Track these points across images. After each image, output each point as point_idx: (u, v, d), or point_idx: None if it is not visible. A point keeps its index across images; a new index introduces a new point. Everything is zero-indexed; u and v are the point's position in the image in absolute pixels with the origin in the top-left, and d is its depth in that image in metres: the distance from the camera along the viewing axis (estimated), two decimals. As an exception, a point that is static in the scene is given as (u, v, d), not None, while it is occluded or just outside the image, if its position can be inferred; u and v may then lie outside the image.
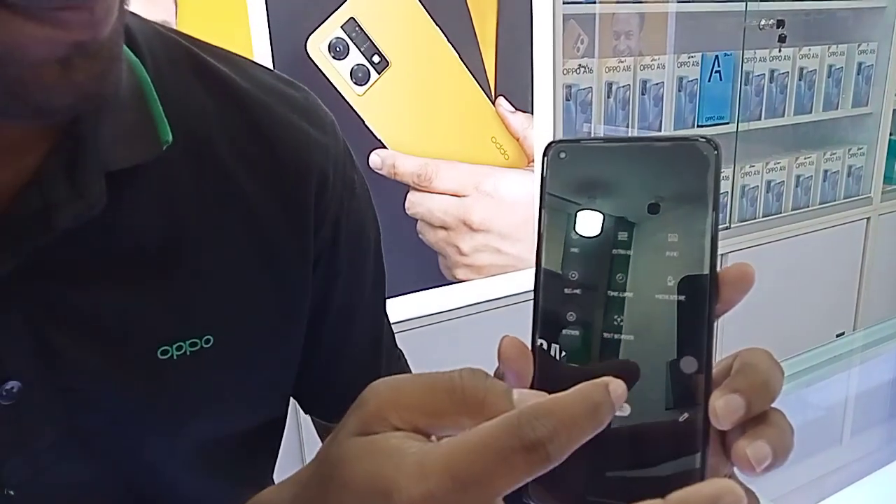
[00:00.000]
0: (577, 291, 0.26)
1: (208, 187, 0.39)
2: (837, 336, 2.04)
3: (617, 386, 0.23)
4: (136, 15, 0.38)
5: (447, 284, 1.43)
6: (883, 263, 2.09)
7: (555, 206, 0.26)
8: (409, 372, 0.56)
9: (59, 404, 0.35)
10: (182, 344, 0.38)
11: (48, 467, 0.36)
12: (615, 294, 0.26)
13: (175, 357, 0.38)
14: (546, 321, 0.26)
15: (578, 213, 0.26)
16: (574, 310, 0.26)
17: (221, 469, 0.43)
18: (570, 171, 0.26)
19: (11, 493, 0.34)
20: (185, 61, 0.40)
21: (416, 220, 1.38)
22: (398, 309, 1.34)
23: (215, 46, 0.43)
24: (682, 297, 0.25)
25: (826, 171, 1.99)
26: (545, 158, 0.27)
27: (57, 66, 0.27)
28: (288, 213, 0.42)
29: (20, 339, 0.34)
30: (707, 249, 0.25)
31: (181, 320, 0.38)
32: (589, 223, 0.26)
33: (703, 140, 0.25)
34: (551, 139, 0.27)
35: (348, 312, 0.49)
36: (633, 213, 0.26)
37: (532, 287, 0.27)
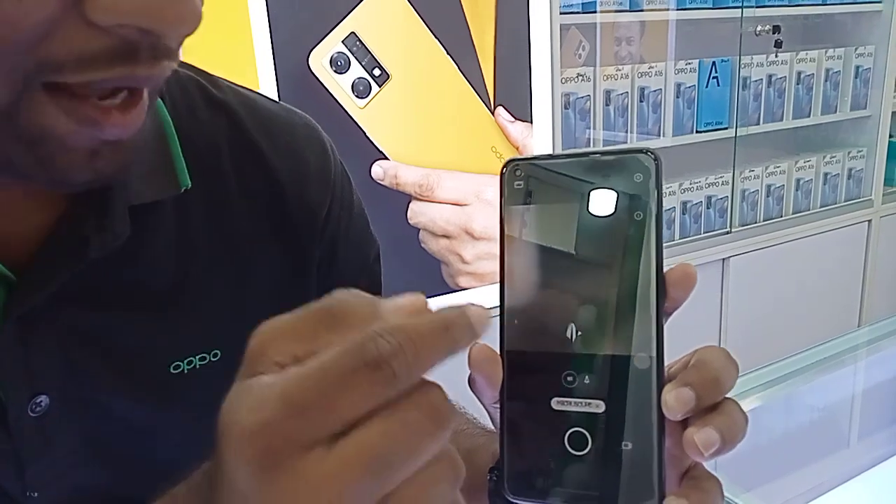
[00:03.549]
0: (538, 298, 0.29)
1: (218, 218, 0.42)
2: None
3: (476, 310, 0.23)
4: None
5: (450, 292, 1.46)
6: (886, 265, 2.10)
7: (514, 221, 0.29)
8: None
9: (78, 415, 0.38)
10: (192, 358, 0.41)
11: (67, 472, 0.38)
12: (571, 298, 0.28)
13: (185, 371, 0.41)
14: (511, 326, 0.29)
15: (535, 226, 0.29)
16: (535, 313, 0.29)
17: None
18: (525, 187, 0.29)
19: (35, 495, 0.37)
20: (198, 96, 0.44)
21: (419, 230, 1.41)
22: (402, 316, 1.36)
23: (222, 79, 0.47)
24: (634, 299, 0.27)
25: (826, 175, 2.00)
26: (502, 176, 0.29)
27: (85, 155, 0.30)
28: (289, 238, 0.45)
29: (51, 358, 0.37)
30: (653, 252, 0.27)
31: (191, 338, 0.41)
32: (544, 234, 0.29)
33: (644, 152, 0.28)
34: (511, 157, 0.30)
35: None
36: (584, 223, 0.28)
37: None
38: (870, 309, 2.10)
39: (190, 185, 0.40)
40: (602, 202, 0.28)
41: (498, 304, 0.30)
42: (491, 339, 0.30)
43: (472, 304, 0.23)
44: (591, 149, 0.29)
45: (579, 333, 0.28)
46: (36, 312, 0.35)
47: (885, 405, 1.51)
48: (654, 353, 0.27)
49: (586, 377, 0.27)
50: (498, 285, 0.30)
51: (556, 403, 0.28)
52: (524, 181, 0.29)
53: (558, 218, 0.28)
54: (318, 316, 0.23)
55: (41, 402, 0.36)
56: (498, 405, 0.29)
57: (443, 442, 0.22)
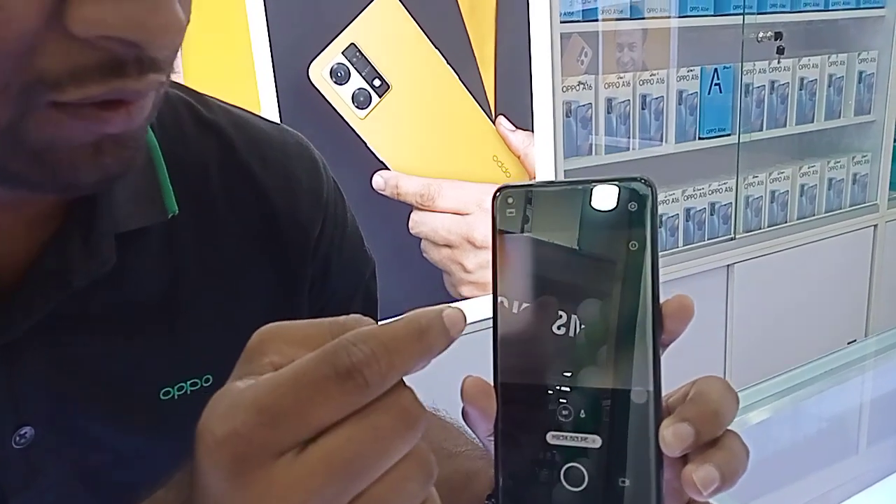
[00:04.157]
0: (531, 329, 0.28)
1: (207, 241, 0.42)
2: (849, 344, 2.03)
3: (452, 312, 0.23)
4: None
5: (453, 301, 1.45)
6: (892, 270, 2.08)
7: (506, 249, 0.28)
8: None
9: (66, 445, 0.37)
10: (183, 384, 0.40)
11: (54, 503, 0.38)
12: (566, 329, 0.27)
13: (176, 397, 0.40)
14: (504, 358, 0.28)
15: (528, 255, 0.28)
16: (529, 346, 0.28)
17: None
18: (518, 214, 0.28)
19: None
20: (188, 117, 0.43)
21: (420, 240, 1.40)
22: (404, 327, 1.36)
23: (213, 99, 0.46)
24: (629, 332, 0.27)
25: (831, 180, 1.99)
26: (494, 204, 0.29)
27: (90, 150, 0.29)
28: (281, 258, 0.45)
29: (37, 387, 0.36)
30: (649, 283, 0.26)
31: (181, 364, 0.40)
32: (537, 264, 0.28)
33: (640, 180, 0.27)
34: (502, 185, 0.29)
35: None
36: (578, 252, 0.27)
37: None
38: (877, 314, 2.09)
39: (177, 211, 0.39)
40: (596, 231, 0.27)
41: (491, 334, 0.29)
42: (484, 370, 0.29)
43: (449, 307, 0.23)
44: (584, 178, 0.28)
45: (575, 366, 0.27)
46: (21, 340, 0.35)
47: (894, 414, 1.50)
48: (651, 387, 0.26)
49: (582, 411, 0.27)
50: (491, 315, 0.29)
51: (551, 438, 0.27)
52: (516, 209, 0.28)
53: (551, 247, 0.28)
54: (331, 328, 0.24)
55: (25, 433, 0.36)
56: (492, 438, 0.29)
57: (412, 443, 0.22)
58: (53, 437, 0.37)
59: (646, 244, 0.27)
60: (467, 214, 1.43)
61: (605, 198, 0.27)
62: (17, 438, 0.35)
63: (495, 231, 0.29)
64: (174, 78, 0.44)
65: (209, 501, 0.22)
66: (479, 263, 1.47)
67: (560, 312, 0.27)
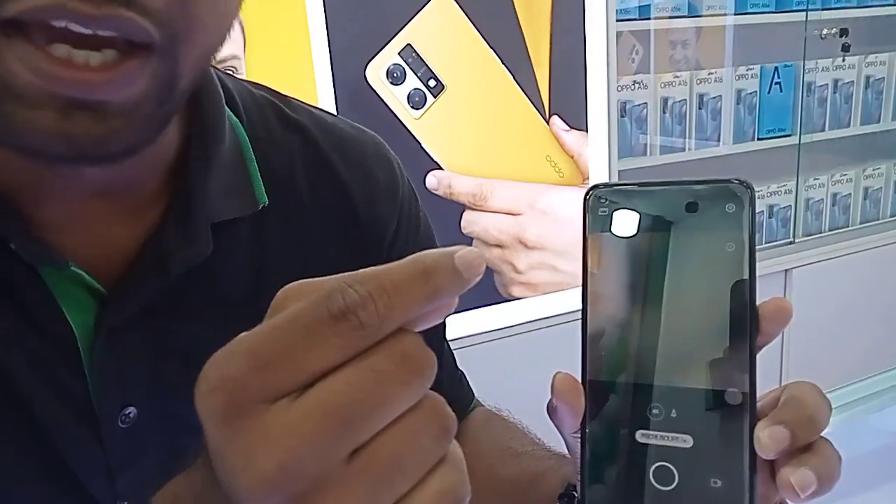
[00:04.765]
0: (622, 328, 0.28)
1: (292, 234, 0.43)
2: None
3: (466, 253, 0.21)
4: (230, 76, 0.43)
5: (503, 302, 1.45)
6: (962, 277, 1.99)
7: (598, 249, 0.28)
8: (471, 393, 0.58)
9: (163, 427, 0.39)
10: None
11: (150, 483, 0.39)
12: (660, 332, 0.27)
13: None
14: (594, 356, 0.28)
15: (620, 254, 0.28)
16: (619, 344, 0.28)
17: None
18: (610, 214, 0.28)
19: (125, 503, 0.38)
20: (274, 117, 0.45)
21: (472, 239, 1.40)
22: (456, 326, 1.36)
23: (296, 100, 0.48)
24: (724, 333, 0.26)
25: (897, 182, 1.92)
26: (586, 202, 0.29)
27: (53, 114, 0.27)
28: (359, 252, 0.46)
29: (139, 370, 0.38)
30: (746, 285, 0.26)
31: None
32: (630, 263, 0.28)
33: (737, 182, 0.27)
34: (593, 183, 0.29)
35: None
36: (672, 253, 0.27)
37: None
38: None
39: (267, 203, 0.41)
40: (691, 232, 0.27)
41: (580, 332, 0.29)
42: (573, 367, 0.29)
43: (464, 247, 0.22)
44: (678, 179, 0.28)
45: (666, 366, 0.27)
46: (125, 326, 0.37)
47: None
48: (746, 389, 0.26)
49: (673, 410, 0.27)
50: (580, 314, 0.29)
51: (641, 436, 0.27)
52: (608, 208, 0.28)
53: (645, 247, 0.28)
54: (347, 278, 0.22)
55: (130, 413, 0.38)
56: (578, 435, 0.29)
57: (418, 391, 0.21)
58: (153, 418, 0.38)
59: (743, 246, 0.26)
60: (519, 214, 1.43)
61: (700, 199, 0.27)
62: (123, 418, 0.37)
63: (586, 230, 0.29)
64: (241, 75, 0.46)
65: (211, 451, 0.21)
66: (530, 264, 1.46)
67: (652, 312, 0.27)
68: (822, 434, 0.28)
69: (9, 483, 0.36)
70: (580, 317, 0.28)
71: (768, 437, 0.25)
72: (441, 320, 0.23)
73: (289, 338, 0.20)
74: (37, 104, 0.27)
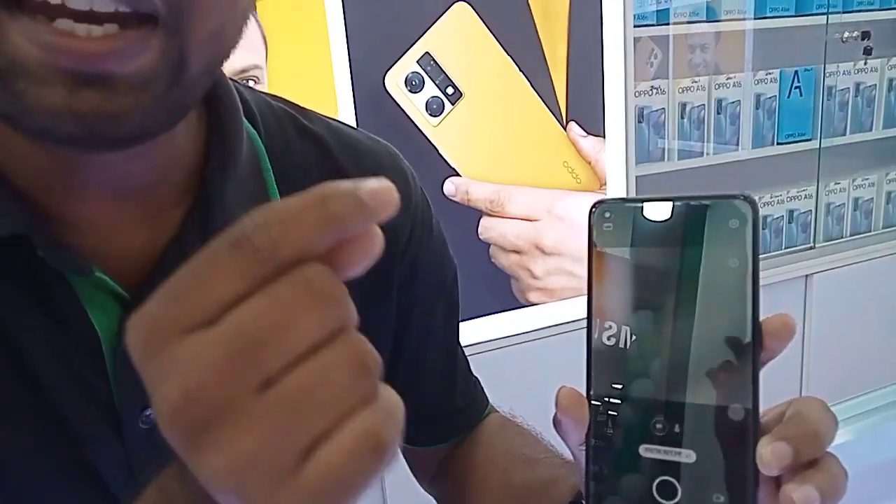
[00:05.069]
0: (626, 343, 0.29)
1: None
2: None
3: (373, 183, 0.21)
4: (249, 88, 0.45)
5: (520, 308, 1.45)
6: None
7: (602, 263, 0.29)
8: (486, 399, 0.59)
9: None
10: None
11: None
12: (664, 347, 0.28)
13: None
14: (598, 370, 0.29)
15: (625, 269, 0.29)
16: (624, 359, 0.29)
17: None
18: (615, 229, 0.29)
19: None
20: (290, 127, 0.46)
21: (490, 245, 1.41)
22: (472, 332, 1.37)
23: (312, 111, 0.49)
24: (728, 349, 0.27)
25: (920, 187, 1.89)
26: (591, 217, 0.30)
27: (61, 90, 0.27)
28: (375, 265, 0.47)
29: None
30: (749, 301, 0.27)
31: None
32: (634, 278, 0.29)
33: (741, 197, 0.27)
34: (598, 199, 0.30)
35: (422, 341, 0.53)
36: (676, 268, 0.28)
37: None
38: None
39: None
40: (695, 247, 0.28)
41: (585, 346, 0.30)
42: (578, 382, 0.30)
43: (376, 180, 0.22)
44: (683, 194, 0.29)
45: (670, 381, 0.28)
46: None
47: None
48: (749, 405, 0.27)
49: (677, 426, 0.27)
50: (585, 327, 0.30)
51: (644, 450, 0.28)
52: (613, 223, 0.29)
53: (649, 262, 0.28)
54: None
55: (150, 414, 0.39)
56: (583, 448, 0.29)
57: (324, 322, 0.21)
58: None
59: (747, 262, 0.27)
60: (536, 221, 1.43)
61: (703, 214, 0.28)
62: (144, 419, 0.38)
63: (592, 245, 0.29)
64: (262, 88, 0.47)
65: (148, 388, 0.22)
66: (547, 270, 1.47)
67: (656, 327, 0.28)
68: (829, 450, 0.28)
69: (34, 478, 0.37)
70: (585, 331, 0.29)
71: (770, 454, 0.26)
72: (364, 263, 0.23)
73: (194, 270, 0.21)
74: (46, 81, 0.27)
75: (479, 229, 1.39)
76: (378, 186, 0.21)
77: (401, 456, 0.61)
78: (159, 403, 0.21)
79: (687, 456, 0.27)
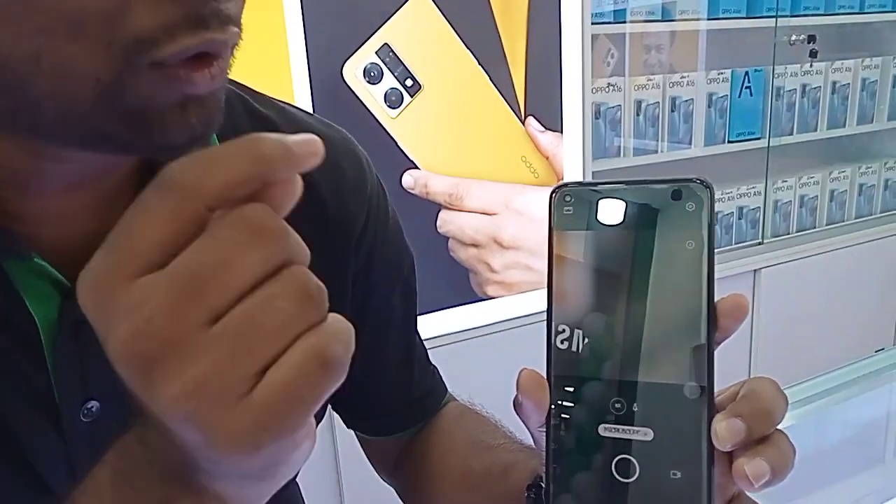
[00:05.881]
0: (585, 324, 0.29)
1: None
2: (877, 352, 2.00)
3: (304, 136, 0.23)
4: None
5: (479, 301, 1.46)
6: (923, 278, 2.05)
7: (562, 246, 0.29)
8: (444, 387, 0.59)
9: (125, 421, 0.39)
10: None
11: None
12: (622, 328, 0.28)
13: None
14: (558, 352, 0.29)
15: (584, 252, 0.29)
16: (583, 340, 0.29)
17: None
18: (574, 212, 0.29)
19: None
20: (241, 110, 0.45)
21: (448, 238, 1.41)
22: (431, 325, 1.37)
23: (261, 94, 0.48)
24: (684, 328, 0.27)
25: (861, 186, 1.97)
26: (551, 200, 0.30)
27: (178, 111, 0.30)
28: (328, 250, 0.46)
29: (101, 364, 0.37)
30: (705, 282, 0.27)
31: None
32: (593, 261, 0.29)
33: (697, 181, 0.28)
34: (561, 182, 0.30)
35: (379, 330, 0.53)
36: (634, 250, 0.28)
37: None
38: (906, 322, 2.06)
39: None
40: (652, 230, 0.28)
41: (545, 329, 0.30)
42: (539, 363, 0.30)
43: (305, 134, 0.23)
44: (641, 178, 0.29)
45: (628, 361, 0.28)
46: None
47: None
48: (704, 383, 0.27)
49: (634, 405, 0.28)
50: (545, 310, 0.30)
51: (603, 430, 0.28)
52: (573, 207, 0.29)
53: (607, 245, 0.29)
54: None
55: (92, 407, 0.37)
56: (543, 430, 0.30)
57: (267, 256, 0.22)
58: (115, 412, 0.38)
59: (703, 243, 0.27)
60: (495, 214, 1.44)
61: (662, 198, 0.28)
62: (85, 412, 0.37)
63: (552, 228, 0.30)
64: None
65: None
66: (505, 263, 1.47)
67: (614, 308, 0.28)
68: (779, 427, 0.29)
69: None
70: (545, 314, 0.29)
71: (725, 430, 0.26)
72: (285, 207, 0.24)
73: (128, 219, 0.22)
74: (168, 107, 0.30)
75: (438, 222, 1.39)
76: (305, 137, 0.23)
77: (360, 450, 0.60)
78: (112, 345, 0.22)
79: (644, 434, 0.27)
